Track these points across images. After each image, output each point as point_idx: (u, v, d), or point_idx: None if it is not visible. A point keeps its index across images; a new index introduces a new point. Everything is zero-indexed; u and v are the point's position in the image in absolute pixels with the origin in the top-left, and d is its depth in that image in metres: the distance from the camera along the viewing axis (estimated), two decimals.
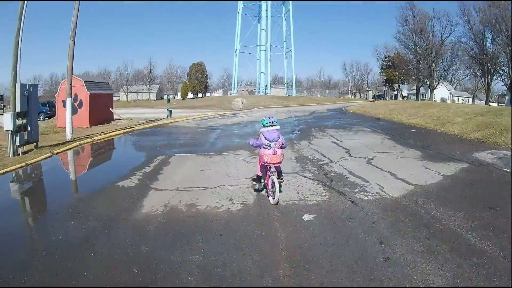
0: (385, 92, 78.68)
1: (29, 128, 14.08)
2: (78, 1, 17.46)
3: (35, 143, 14.71)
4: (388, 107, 31.87)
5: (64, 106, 23.33)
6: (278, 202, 6.99)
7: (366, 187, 8.26)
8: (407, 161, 10.93)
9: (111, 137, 18.79)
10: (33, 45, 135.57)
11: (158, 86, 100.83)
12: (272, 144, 7.06)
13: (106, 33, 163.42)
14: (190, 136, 18.61)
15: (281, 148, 7.21)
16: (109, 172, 11.18)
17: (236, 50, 74.89)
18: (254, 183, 8.17)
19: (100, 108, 25.15)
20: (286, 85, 78.87)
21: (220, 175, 9.68)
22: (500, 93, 67.04)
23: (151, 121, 26.99)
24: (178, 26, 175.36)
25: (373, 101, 62.43)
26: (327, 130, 19.67)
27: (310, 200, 7.52)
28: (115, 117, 27.20)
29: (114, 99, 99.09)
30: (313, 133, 18.67)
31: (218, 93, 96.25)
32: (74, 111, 23.25)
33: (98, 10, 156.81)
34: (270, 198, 7.15)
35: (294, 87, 77.81)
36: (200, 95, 79.75)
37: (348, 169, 10.10)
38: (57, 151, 14.14)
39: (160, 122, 25.51)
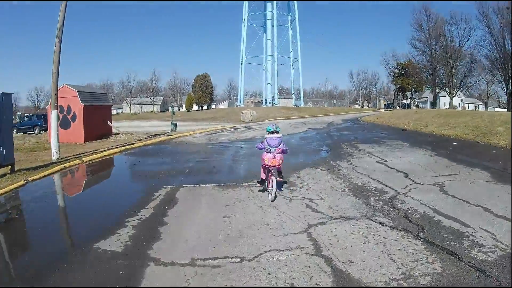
0: (394, 101, 75.42)
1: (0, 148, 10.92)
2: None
3: (10, 166, 11.56)
4: (412, 117, 28.61)
5: (57, 119, 20.39)
6: (274, 199, 7.70)
7: (474, 236, 5.60)
8: (485, 187, 8.52)
9: (105, 158, 15.51)
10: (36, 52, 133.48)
11: (162, 98, 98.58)
12: (273, 149, 7.81)
13: (109, 44, 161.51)
14: (201, 156, 15.16)
15: (281, 153, 7.90)
16: (89, 219, 7.33)
17: (241, 61, 71.78)
18: (259, 185, 8.71)
19: (97, 121, 21.95)
20: (293, 95, 75.88)
21: (257, 228, 6.25)
22: None
23: (154, 135, 23.70)
24: (182, 37, 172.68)
25: (385, 110, 59.18)
26: (360, 145, 16.46)
27: (419, 276, 4.43)
28: (113, 131, 23.95)
29: (118, 111, 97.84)
30: (346, 149, 15.40)
31: (223, 105, 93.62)
32: (66, 125, 20.28)
33: (101, 20, 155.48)
34: (269, 195, 7.79)
35: (302, 97, 74.67)
36: (205, 107, 77.01)
37: (428, 204, 7.25)
38: (33, 177, 10.88)
39: (164, 138, 22.21)
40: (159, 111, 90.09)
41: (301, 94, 75.40)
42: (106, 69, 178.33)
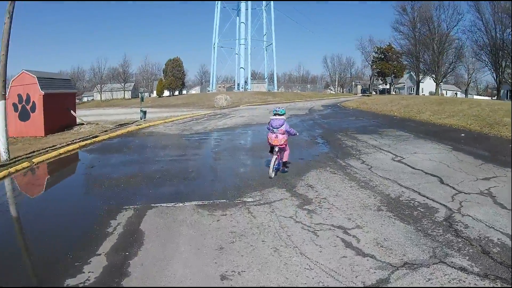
0: (370, 86, 74.01)
1: None
2: None
3: None
4: (399, 103, 26.72)
5: (16, 110, 17.08)
6: (272, 175, 8.17)
7: None
8: None
9: (60, 156, 12.35)
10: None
11: (133, 84, 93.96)
12: (275, 130, 8.17)
13: (79, 30, 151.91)
14: (174, 152, 12.24)
15: (284, 134, 8.19)
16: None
17: (214, 44, 68.02)
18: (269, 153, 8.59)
19: (59, 111, 18.49)
20: (266, 80, 73.08)
21: None
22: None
23: (121, 125, 20.43)
24: (154, 20, 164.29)
25: (362, 95, 57.56)
26: (359, 136, 14.24)
27: None
28: (78, 121, 20.59)
29: (89, 99, 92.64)
30: (346, 141, 13.09)
31: (195, 90, 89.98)
32: (25, 116, 17.10)
33: (70, 5, 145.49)
34: (270, 170, 8.22)
35: (275, 82, 72.10)
36: (176, 92, 73.12)
37: (496, 226, 5.33)
38: None
39: (132, 128, 19.08)
40: (130, 97, 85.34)
41: (275, 79, 72.76)
42: (77, 56, 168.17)
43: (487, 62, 51.58)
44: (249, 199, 6.74)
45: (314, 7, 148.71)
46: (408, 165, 9.25)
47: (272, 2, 67.28)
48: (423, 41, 58.54)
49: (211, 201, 6.71)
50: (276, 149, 8.23)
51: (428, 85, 69.32)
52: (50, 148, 13.10)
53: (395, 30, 65.18)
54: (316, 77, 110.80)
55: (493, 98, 58.29)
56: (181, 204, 6.57)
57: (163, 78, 71.21)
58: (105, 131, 17.82)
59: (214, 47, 68.33)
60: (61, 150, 12.85)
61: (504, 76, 47.35)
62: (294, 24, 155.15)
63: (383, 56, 65.64)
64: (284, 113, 8.47)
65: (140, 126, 19.73)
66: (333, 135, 15.00)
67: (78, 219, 6.30)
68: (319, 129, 17.06)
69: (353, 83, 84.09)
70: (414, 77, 68.20)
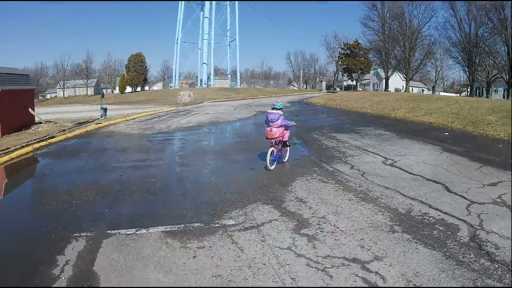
0: (334, 82, 73.92)
1: None
2: None
3: None
4: (371, 100, 26.21)
5: None
6: (270, 167, 8.22)
7: None
8: None
9: (12, 161, 10.50)
10: None
11: (96, 80, 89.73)
12: (271, 123, 8.40)
13: (43, 26, 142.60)
14: (135, 156, 10.49)
15: (280, 127, 8.40)
16: None
17: (177, 39, 65.58)
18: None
19: (16, 109, 16.13)
20: (229, 76, 71.50)
21: None
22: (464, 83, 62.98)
23: (81, 124, 18.31)
24: (117, 15, 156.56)
25: (328, 92, 57.21)
26: (337, 135, 13.34)
27: None
28: (36, 120, 18.37)
29: (52, 95, 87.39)
30: (325, 142, 12.12)
31: (157, 86, 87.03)
32: None
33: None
34: (269, 165, 8.24)
35: (238, 78, 70.72)
36: (139, 88, 70.22)
37: None
38: None
39: (91, 127, 17.07)
40: (93, 94, 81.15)
41: (238, 75, 71.48)
42: (40, 52, 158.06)
43: (460, 60, 51.33)
44: (230, 222, 5.39)
45: (279, 5, 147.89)
46: (403, 170, 8.32)
47: None
48: (394, 37, 57.97)
49: (183, 225, 5.28)
50: (273, 142, 8.45)
51: (394, 81, 70.14)
52: (3, 152, 11.14)
53: (364, 26, 64.42)
54: (278, 73, 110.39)
55: (460, 94, 59.62)
56: (144, 231, 5.10)
57: (125, 74, 68.05)
58: (63, 130, 15.88)
59: (177, 42, 66.00)
60: (13, 154, 10.93)
61: (479, 73, 47.77)
62: (258, 20, 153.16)
63: (349, 52, 65.46)
64: (282, 107, 8.77)
65: (99, 125, 17.78)
66: (308, 134, 13.94)
67: (16, 257, 4.56)
68: (292, 128, 15.98)
69: (318, 79, 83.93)
70: (380, 73, 68.72)
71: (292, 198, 6.40)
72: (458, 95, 58.20)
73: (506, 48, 41.82)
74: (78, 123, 18.60)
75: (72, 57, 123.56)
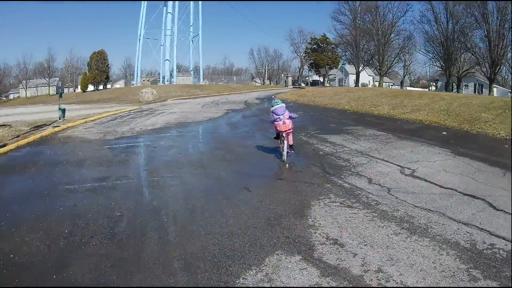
0: (299, 78, 72.92)
1: None
2: None
3: None
4: (348, 96, 24.98)
5: None
6: (285, 159, 8.52)
7: None
8: None
9: None
10: None
11: (58, 79, 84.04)
12: (281, 116, 8.55)
13: (3, 24, 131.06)
14: (94, 175, 7.99)
15: (289, 118, 8.61)
16: None
17: (139, 36, 61.74)
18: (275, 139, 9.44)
19: None
20: (192, 72, 68.63)
21: None
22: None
23: (38, 127, 15.49)
24: (77, 9, 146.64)
25: (294, 88, 55.98)
26: (327, 137, 11.81)
27: None
28: None
29: (14, 96, 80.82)
30: (319, 146, 10.54)
31: (119, 84, 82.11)
32: None
33: None
34: (283, 156, 8.62)
35: (201, 74, 67.92)
36: (101, 87, 66.06)
37: None
38: None
39: (48, 131, 14.28)
40: (55, 93, 75.72)
41: (201, 71, 68.72)
42: (3, 52, 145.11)
43: (435, 55, 49.76)
44: None
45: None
46: (431, 182, 6.83)
47: None
48: (366, 31, 55.88)
49: None
50: (284, 134, 8.58)
51: (360, 76, 70.00)
52: None
53: (334, 20, 61.87)
54: (240, 69, 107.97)
55: (429, 89, 59.86)
56: None
57: (87, 72, 63.68)
58: (17, 136, 13.21)
59: (139, 39, 62.27)
60: None
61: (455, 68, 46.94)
62: (221, 16, 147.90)
63: (316, 47, 64.17)
64: (281, 103, 9.00)
65: (57, 129, 15.04)
66: (294, 136, 12.24)
67: None
68: (272, 128, 14.21)
69: (282, 74, 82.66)
70: (346, 69, 67.95)
71: (321, 238, 4.55)
72: (427, 89, 58.74)
73: (487, 42, 41.55)
74: (34, 127, 15.85)
75: (34, 56, 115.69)
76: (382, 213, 5.37)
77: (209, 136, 13.31)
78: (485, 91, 45.90)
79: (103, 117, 20.13)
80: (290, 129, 8.61)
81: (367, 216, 5.27)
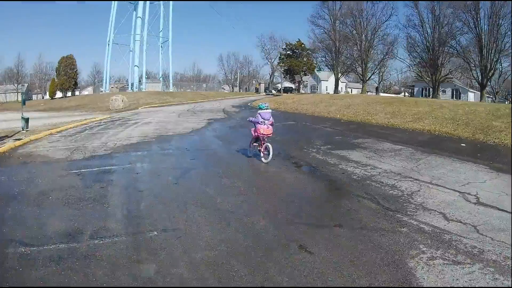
0: (270, 85, 71.04)
1: None
2: None
3: None
4: (335, 103, 23.38)
5: None
6: (269, 161, 8.71)
7: None
8: None
9: None
10: None
11: (27, 85, 78.19)
12: (266, 121, 8.86)
13: None
14: (58, 227, 5.22)
15: (271, 125, 8.99)
16: None
17: (108, 41, 57.81)
18: (254, 144, 9.46)
19: None
20: (161, 79, 65.38)
21: None
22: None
23: None
24: (47, 13, 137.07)
25: (267, 95, 54.15)
26: (342, 153, 10.02)
27: None
28: None
29: None
30: (343, 167, 8.51)
31: (88, 91, 77.17)
32: None
33: None
34: (263, 159, 8.92)
35: (171, 81, 64.70)
36: (69, 93, 61.66)
37: None
38: None
39: (7, 146, 11.36)
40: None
41: (170, 78, 65.51)
42: None
43: (421, 60, 47.10)
44: None
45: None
46: (503, 211, 5.55)
47: None
48: (348, 36, 52.87)
49: None
50: (265, 139, 9.03)
51: (332, 83, 68.73)
52: None
53: (313, 24, 58.23)
54: (208, 76, 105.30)
55: (405, 95, 58.93)
56: None
57: (56, 78, 59.07)
58: None
59: (108, 44, 58.25)
60: None
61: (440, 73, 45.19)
62: (190, 22, 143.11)
63: (291, 53, 62.20)
64: (269, 107, 9.30)
65: (17, 143, 12.10)
66: (304, 152, 10.34)
67: None
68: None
69: (254, 81, 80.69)
70: (319, 75, 66.53)
71: None
72: (403, 95, 58.36)
73: (477, 48, 40.81)
74: None
75: (3, 60, 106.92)
76: (497, 266, 3.70)
77: (201, 154, 10.80)
78: (463, 96, 45.87)
79: (70, 128, 17.30)
80: (270, 134, 9.02)
81: (486, 274, 3.60)
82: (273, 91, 64.89)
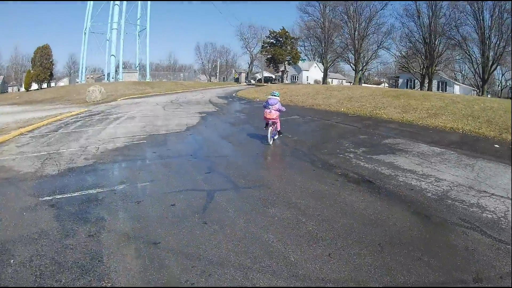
0: (249, 74, 67.88)
1: None
2: None
3: None
4: (334, 95, 21.37)
5: None
6: (271, 143, 9.50)
7: None
8: None
9: None
10: None
11: (2, 77, 71.53)
12: (270, 106, 9.32)
13: None
14: None
15: (277, 110, 9.37)
16: None
17: (85, 29, 52.56)
18: (264, 128, 9.87)
19: None
20: (138, 69, 61.10)
21: None
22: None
23: None
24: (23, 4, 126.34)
25: (248, 85, 51.42)
26: (393, 161, 7.85)
27: None
28: None
29: None
30: (405, 179, 6.42)
31: (64, 82, 71.61)
32: None
33: None
34: (269, 140, 9.53)
35: (148, 71, 60.57)
36: (45, 85, 56.62)
37: None
38: None
39: None
40: (0, 92, 63.74)
41: (147, 67, 61.50)
42: None
43: (416, 51, 44.56)
44: None
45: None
46: None
47: None
48: (340, 24, 49.71)
49: None
50: (270, 122, 9.45)
51: (314, 73, 66.46)
52: None
53: (302, 12, 55.37)
54: (184, 66, 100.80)
55: (386, 86, 56.83)
56: None
57: (31, 69, 53.86)
58: None
59: (85, 33, 52.98)
60: None
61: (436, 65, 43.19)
62: (166, 10, 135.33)
63: (275, 41, 58.58)
64: (279, 95, 10.04)
65: None
66: (337, 156, 8.19)
67: None
68: (287, 144, 9.93)
69: (234, 71, 77.33)
70: (300, 65, 63.78)
71: None
72: (385, 86, 56.59)
73: (479, 41, 38.80)
74: None
75: None
76: None
77: (214, 164, 7.82)
78: (449, 88, 44.61)
79: (44, 125, 14.23)
80: (275, 118, 9.44)
81: None
82: (252, 81, 62.08)
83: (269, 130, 9.44)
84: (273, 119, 9.36)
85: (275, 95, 9.68)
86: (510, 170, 7.02)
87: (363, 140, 10.22)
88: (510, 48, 36.88)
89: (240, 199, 5.53)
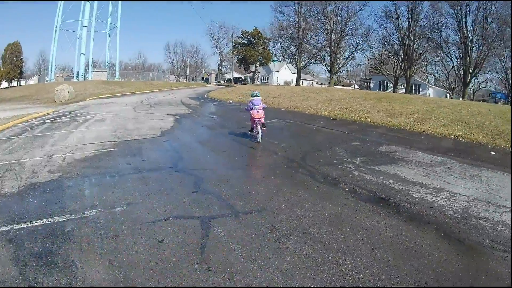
0: (218, 75, 66.32)
1: None
2: None
3: None
4: (311, 97, 20.79)
5: None
6: (260, 140, 9.71)
7: None
8: None
9: None
10: None
11: None
12: (257, 107, 9.70)
13: None
14: None
15: (262, 109, 9.77)
16: None
17: (55, 27, 49.39)
18: (250, 132, 10.39)
19: None
20: (107, 68, 58.14)
21: None
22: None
23: None
24: None
25: (219, 85, 49.89)
26: (399, 172, 7.15)
27: None
28: None
29: None
30: (419, 195, 5.69)
31: (33, 80, 66.93)
32: None
33: None
34: (257, 138, 9.78)
35: (117, 70, 57.76)
36: (15, 83, 52.57)
37: None
38: None
39: None
40: None
41: (117, 66, 58.67)
42: None
43: (394, 53, 44.11)
44: None
45: None
46: None
47: None
48: (315, 25, 48.58)
49: None
50: (257, 121, 9.72)
51: (284, 74, 65.77)
52: None
53: (276, 11, 54.74)
54: (153, 65, 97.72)
55: (361, 88, 56.66)
56: None
57: (1, 67, 49.75)
58: None
59: (55, 30, 49.52)
60: None
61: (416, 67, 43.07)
62: (136, 9, 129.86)
63: (247, 42, 56.54)
64: (259, 95, 10.18)
65: None
66: (336, 168, 7.35)
67: None
68: (277, 152, 8.98)
69: (204, 71, 75.44)
70: (270, 66, 62.78)
71: None
72: (358, 88, 56.57)
73: (461, 44, 38.76)
74: None
75: None
76: None
77: (200, 179, 6.57)
78: (423, 91, 45.07)
79: (7, 128, 12.52)
80: (262, 117, 9.73)
81: None
82: (221, 81, 60.63)
83: (259, 130, 9.71)
84: (261, 118, 9.66)
85: (257, 96, 9.95)
86: (510, 179, 6.74)
87: (356, 147, 9.46)
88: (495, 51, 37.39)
89: (244, 229, 4.47)
